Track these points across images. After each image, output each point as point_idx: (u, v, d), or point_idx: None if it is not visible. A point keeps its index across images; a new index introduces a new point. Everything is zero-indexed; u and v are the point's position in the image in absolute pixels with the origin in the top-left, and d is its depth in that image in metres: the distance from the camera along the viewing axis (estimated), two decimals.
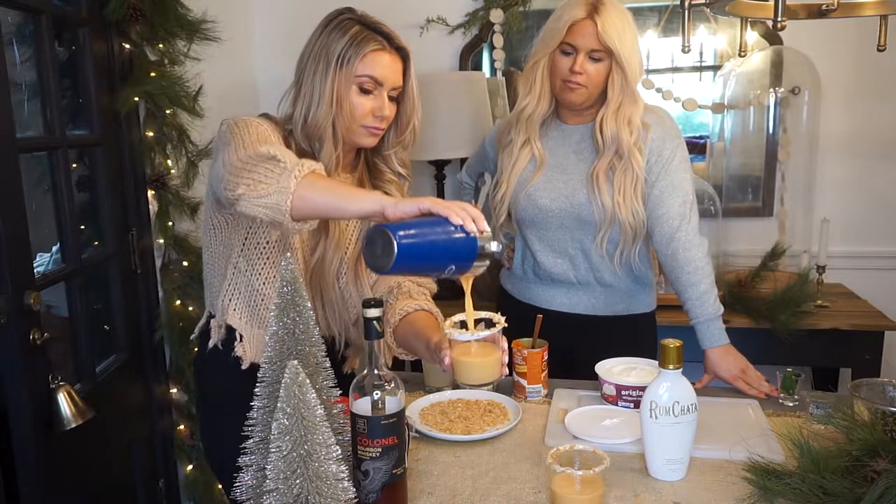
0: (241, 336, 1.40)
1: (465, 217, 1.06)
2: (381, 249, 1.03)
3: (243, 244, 1.40)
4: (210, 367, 1.48)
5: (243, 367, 1.39)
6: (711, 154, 2.80)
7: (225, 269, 1.43)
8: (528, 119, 1.73)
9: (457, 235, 1.06)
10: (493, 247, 1.09)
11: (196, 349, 1.56)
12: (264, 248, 1.40)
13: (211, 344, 1.43)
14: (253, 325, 1.41)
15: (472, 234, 1.07)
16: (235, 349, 1.39)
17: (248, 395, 1.03)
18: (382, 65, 1.36)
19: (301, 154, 1.33)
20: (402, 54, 1.40)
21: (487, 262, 1.10)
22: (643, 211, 1.68)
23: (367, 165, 1.50)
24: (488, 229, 1.08)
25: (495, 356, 1.19)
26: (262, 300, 1.41)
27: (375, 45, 1.36)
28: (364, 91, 1.36)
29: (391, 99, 1.40)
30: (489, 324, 1.22)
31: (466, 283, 1.16)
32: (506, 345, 1.23)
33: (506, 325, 1.20)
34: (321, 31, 1.39)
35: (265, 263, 1.40)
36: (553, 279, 1.80)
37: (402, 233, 1.02)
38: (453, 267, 1.08)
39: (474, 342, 1.18)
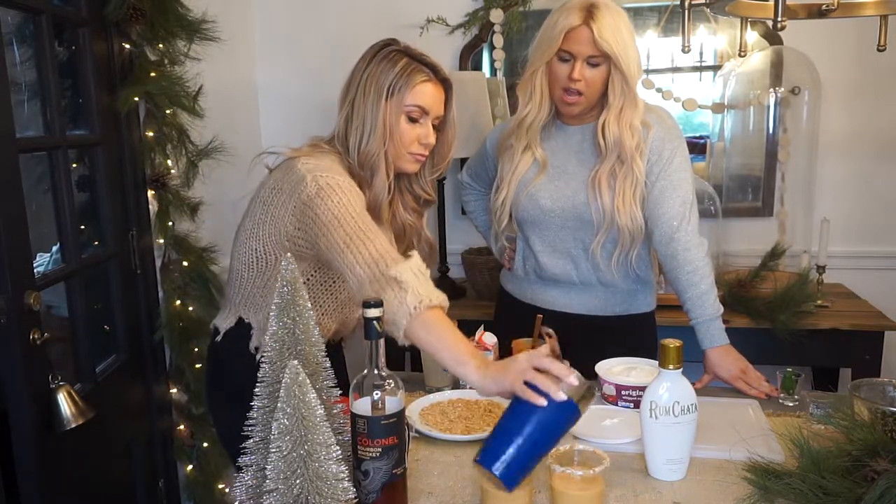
0: None
1: (552, 388, 1.07)
2: (494, 479, 1.06)
3: (307, 280, 1.47)
4: (239, 362, 1.49)
5: None
6: (711, 154, 2.80)
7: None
8: (528, 127, 1.73)
9: (552, 411, 1.07)
10: (594, 393, 1.11)
11: (217, 341, 1.57)
12: (331, 285, 1.50)
13: (252, 349, 1.49)
14: None
15: (565, 400, 1.07)
16: None
17: None
18: (429, 94, 1.47)
19: (353, 178, 1.44)
20: (446, 85, 1.51)
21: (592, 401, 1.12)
22: (641, 216, 1.68)
23: (397, 188, 1.58)
24: (575, 380, 1.09)
25: (528, 488, 1.12)
26: (319, 328, 1.47)
27: (423, 76, 1.46)
28: (411, 120, 1.47)
29: (433, 127, 1.50)
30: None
31: None
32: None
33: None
34: (369, 62, 1.47)
35: (326, 298, 1.51)
36: (554, 279, 1.80)
37: (501, 466, 1.04)
38: (561, 436, 1.10)
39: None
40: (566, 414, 1.08)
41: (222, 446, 1.69)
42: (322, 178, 1.36)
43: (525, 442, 1.06)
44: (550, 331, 1.31)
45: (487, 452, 1.07)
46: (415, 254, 1.29)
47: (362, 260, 1.27)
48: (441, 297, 1.24)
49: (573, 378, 1.08)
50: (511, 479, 1.05)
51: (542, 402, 1.07)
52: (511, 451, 1.05)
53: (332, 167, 1.41)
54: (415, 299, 1.20)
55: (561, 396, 1.07)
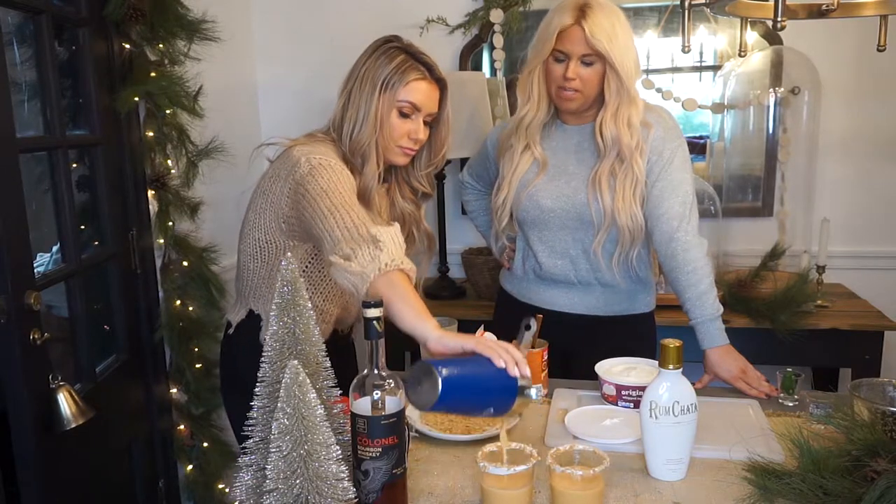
0: None
1: (509, 360, 1.11)
2: (425, 386, 1.06)
3: (305, 268, 1.52)
4: (251, 353, 1.48)
5: None
6: (711, 154, 2.80)
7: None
8: (527, 127, 1.74)
9: (499, 378, 1.10)
10: (533, 393, 1.13)
11: (230, 334, 1.62)
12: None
13: (262, 340, 1.46)
14: None
15: (513, 377, 1.10)
16: None
17: None
18: (422, 92, 1.52)
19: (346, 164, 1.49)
20: (441, 84, 1.56)
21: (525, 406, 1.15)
22: (641, 216, 1.68)
23: (396, 179, 1.66)
24: (529, 374, 1.12)
25: (528, 488, 1.12)
26: (321, 314, 1.57)
27: (418, 74, 1.51)
28: (403, 115, 1.52)
29: (425, 124, 1.55)
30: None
31: (503, 424, 1.20)
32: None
33: (539, 458, 1.12)
34: (369, 56, 1.53)
35: (327, 283, 1.55)
36: (554, 279, 1.80)
37: (446, 371, 1.05)
38: (492, 409, 1.12)
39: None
40: (508, 391, 1.10)
41: (236, 437, 1.70)
42: (315, 159, 1.42)
43: (473, 381, 1.09)
44: (540, 316, 1.48)
45: (442, 363, 1.08)
46: (395, 224, 1.33)
47: (342, 224, 1.31)
48: (411, 266, 1.27)
49: (528, 370, 1.12)
50: (447, 391, 1.04)
51: (501, 364, 1.09)
52: (461, 376, 1.07)
53: (326, 152, 1.47)
54: (388, 257, 1.23)
55: (515, 372, 1.10)
